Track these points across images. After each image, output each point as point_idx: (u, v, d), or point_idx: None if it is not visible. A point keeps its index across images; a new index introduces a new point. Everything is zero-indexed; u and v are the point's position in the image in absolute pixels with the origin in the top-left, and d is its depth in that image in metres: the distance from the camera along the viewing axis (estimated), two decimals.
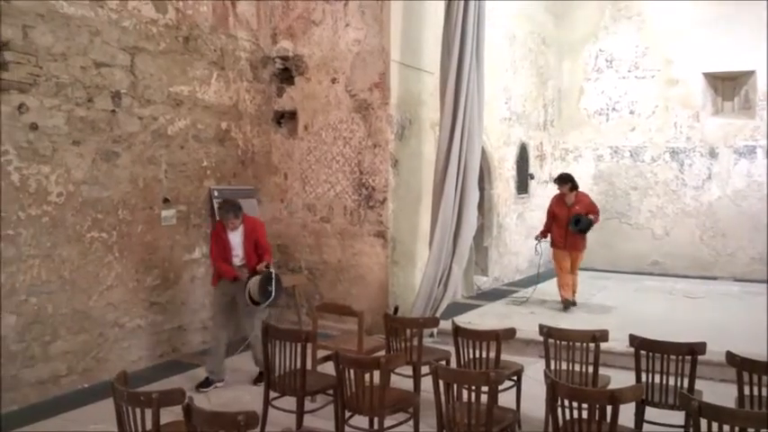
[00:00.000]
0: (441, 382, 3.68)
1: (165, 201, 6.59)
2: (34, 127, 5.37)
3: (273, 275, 5.79)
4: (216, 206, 7.15)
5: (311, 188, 7.88)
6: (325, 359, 5.23)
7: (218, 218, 6.06)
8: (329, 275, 7.83)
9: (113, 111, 6.01)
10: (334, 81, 7.66)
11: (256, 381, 5.86)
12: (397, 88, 7.47)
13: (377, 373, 3.98)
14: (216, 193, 7.17)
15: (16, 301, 5.27)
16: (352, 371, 4.00)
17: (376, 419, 4.01)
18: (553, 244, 8.57)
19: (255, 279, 5.74)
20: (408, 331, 5.13)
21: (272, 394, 4.58)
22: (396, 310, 7.07)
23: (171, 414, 3.42)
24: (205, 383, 5.84)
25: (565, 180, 8.55)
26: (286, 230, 8.07)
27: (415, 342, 5.03)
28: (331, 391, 4.53)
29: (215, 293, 6.17)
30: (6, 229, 5.18)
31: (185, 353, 6.81)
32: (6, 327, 5.20)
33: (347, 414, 4.18)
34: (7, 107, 5.18)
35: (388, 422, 4.04)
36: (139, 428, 3.25)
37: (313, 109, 7.80)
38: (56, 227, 5.55)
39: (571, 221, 8.21)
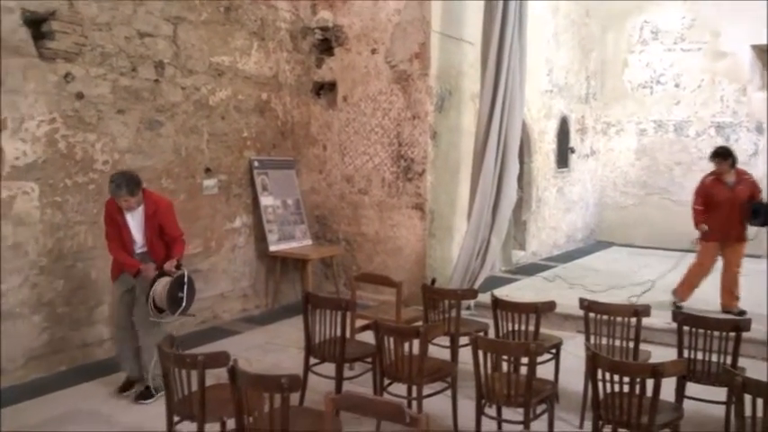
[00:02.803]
0: (480, 353, 3.69)
1: (207, 170, 6.68)
2: (80, 96, 5.47)
3: (186, 278, 4.68)
4: (255, 175, 7.23)
5: (350, 159, 7.89)
6: (364, 328, 5.29)
7: (110, 194, 4.71)
8: (366, 247, 7.87)
9: (157, 80, 6.08)
10: (373, 52, 7.61)
11: (141, 396, 4.80)
12: (438, 59, 7.39)
13: (416, 343, 4.01)
14: (256, 164, 7.24)
15: (63, 265, 5.42)
16: (391, 339, 4.03)
17: (414, 387, 4.04)
18: (706, 236, 6.78)
19: (164, 282, 4.61)
20: (446, 302, 5.15)
21: (312, 360, 4.64)
22: (433, 282, 7.05)
23: (212, 377, 3.51)
24: (145, 394, 4.81)
25: (725, 155, 6.65)
26: (324, 202, 8.12)
27: (454, 313, 5.04)
28: (369, 359, 4.58)
29: (116, 291, 4.98)
30: (54, 196, 5.32)
31: (226, 320, 6.95)
32: (54, 290, 5.37)
33: (386, 381, 4.22)
34: (54, 76, 5.29)
35: (425, 390, 4.07)
36: (185, 390, 3.34)
37: (352, 80, 7.78)
38: (101, 194, 5.65)
39: (748, 213, 6.52)
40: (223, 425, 3.54)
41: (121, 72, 5.76)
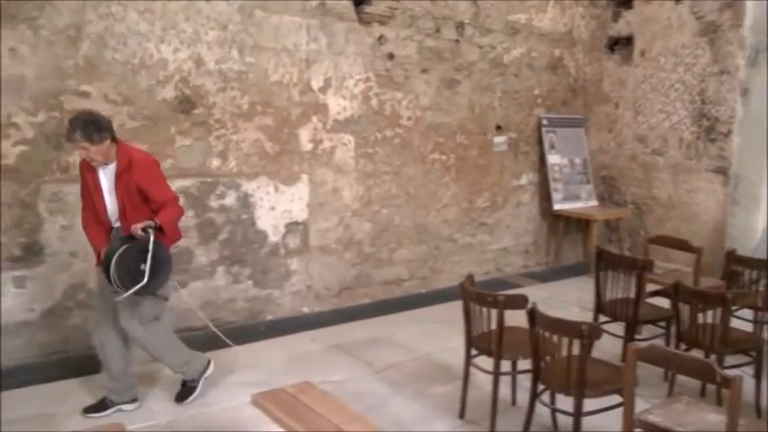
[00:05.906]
0: None
1: (498, 127, 6.89)
2: (391, 56, 5.99)
3: (151, 245, 3.45)
4: (544, 133, 7.26)
5: (644, 118, 7.51)
6: (654, 294, 5.09)
7: (66, 140, 3.68)
8: (657, 211, 7.48)
9: (457, 40, 6.40)
10: (677, 2, 7.09)
11: (179, 396, 3.95)
12: (754, 7, 6.62)
13: (717, 312, 3.79)
14: (545, 122, 7.27)
15: (371, 210, 6.08)
16: (686, 306, 3.86)
17: (714, 357, 3.84)
18: None
19: (123, 250, 3.45)
20: (753, 273, 4.73)
21: (601, 318, 4.63)
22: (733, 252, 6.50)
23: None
24: (99, 406, 3.78)
25: None
26: (613, 162, 7.86)
27: (761, 286, 4.62)
28: (662, 323, 4.44)
29: (98, 279, 3.76)
30: (366, 148, 5.96)
31: (508, 273, 7.19)
32: (362, 232, 6.05)
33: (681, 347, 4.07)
34: (369, 38, 5.86)
35: (726, 362, 3.84)
36: (484, 326, 3.60)
37: (652, 33, 7.34)
38: (404, 148, 6.20)
39: None
40: (514, 364, 3.77)
41: (426, 33, 6.18)
